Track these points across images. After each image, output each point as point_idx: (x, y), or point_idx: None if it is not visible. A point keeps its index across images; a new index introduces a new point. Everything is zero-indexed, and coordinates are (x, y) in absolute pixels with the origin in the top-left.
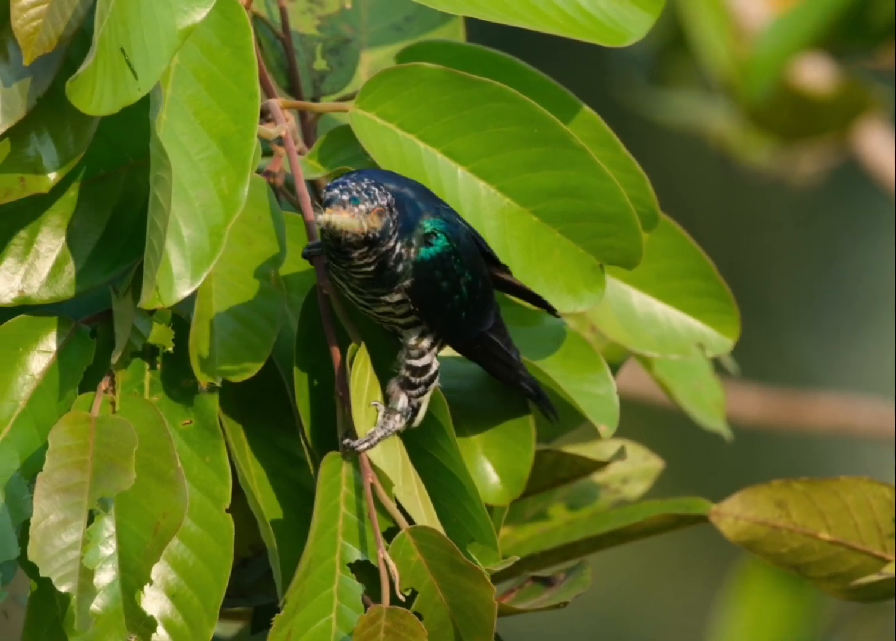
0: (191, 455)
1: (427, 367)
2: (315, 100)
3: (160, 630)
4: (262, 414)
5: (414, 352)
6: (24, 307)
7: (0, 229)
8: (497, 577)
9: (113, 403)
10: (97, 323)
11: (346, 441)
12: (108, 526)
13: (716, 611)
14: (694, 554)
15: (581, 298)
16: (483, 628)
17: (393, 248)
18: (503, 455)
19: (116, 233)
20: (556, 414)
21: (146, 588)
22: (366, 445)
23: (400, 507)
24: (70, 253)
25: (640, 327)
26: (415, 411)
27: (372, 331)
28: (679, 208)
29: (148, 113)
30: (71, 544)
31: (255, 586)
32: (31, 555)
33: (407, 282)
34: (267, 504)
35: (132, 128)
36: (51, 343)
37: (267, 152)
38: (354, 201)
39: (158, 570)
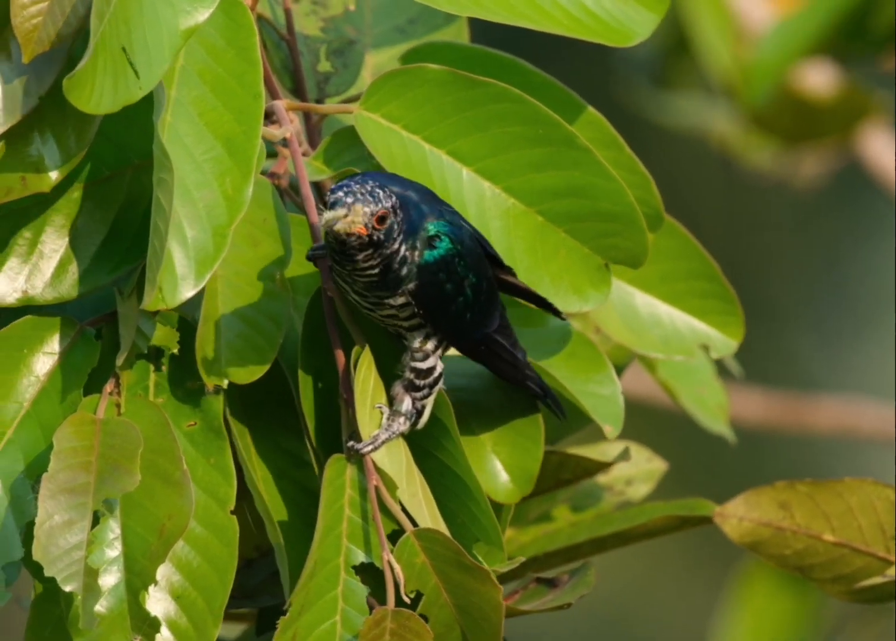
0: (195, 456)
1: (431, 370)
2: (319, 101)
3: (165, 631)
4: (268, 415)
5: (418, 355)
6: (28, 308)
7: (4, 229)
8: (501, 579)
9: (118, 405)
10: (102, 324)
11: (351, 443)
12: (113, 527)
13: (718, 613)
14: (697, 556)
15: (587, 298)
16: (490, 629)
17: (397, 251)
18: (513, 452)
19: (121, 234)
20: (565, 413)
21: (151, 589)
22: (370, 448)
23: (404, 509)
24: (74, 253)
25: (644, 328)
26: (419, 413)
27: (376, 334)
28: (681, 210)
29: (152, 113)
30: (76, 544)
31: (260, 587)
32: (36, 555)
33: (411, 285)
34: (273, 505)
35: (137, 130)
36: (55, 344)
37: (272, 154)
38: (359, 203)
39: (163, 571)
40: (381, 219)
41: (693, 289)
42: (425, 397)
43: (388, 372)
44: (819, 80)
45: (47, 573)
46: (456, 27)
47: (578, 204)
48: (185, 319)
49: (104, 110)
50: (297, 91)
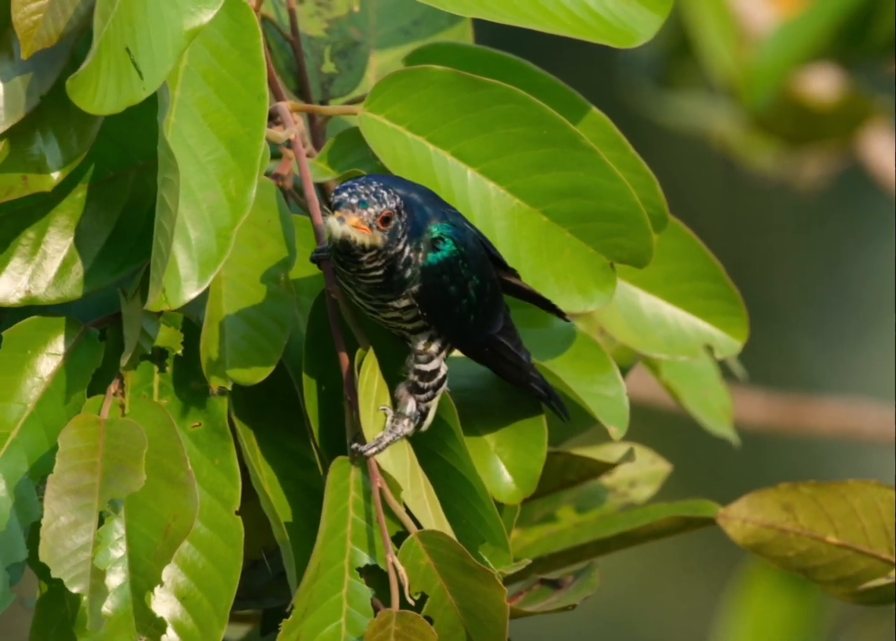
0: (200, 457)
1: (435, 372)
2: (324, 102)
3: (170, 631)
4: (273, 416)
5: (422, 357)
6: (32, 308)
7: (7, 229)
8: (505, 580)
9: (122, 406)
10: (106, 325)
11: (355, 445)
12: (118, 528)
13: (720, 614)
14: (699, 557)
15: (592, 297)
16: (495, 630)
17: (402, 252)
18: (516, 453)
19: (124, 235)
20: (568, 415)
21: (156, 589)
22: (374, 450)
23: (408, 511)
24: (77, 253)
25: (649, 329)
26: (423, 415)
27: (380, 336)
28: (683, 211)
29: (156, 114)
30: (82, 545)
31: (265, 588)
32: (43, 556)
33: (415, 288)
34: (278, 506)
35: (141, 130)
36: (59, 345)
37: (276, 155)
38: (363, 204)
39: (168, 572)
40: (386, 220)
41: (697, 290)
42: (429, 399)
43: (392, 375)
44: (821, 84)
45: (54, 574)
46: (460, 28)
47: (583, 204)
48: (190, 320)
49: (108, 111)
50: (302, 92)
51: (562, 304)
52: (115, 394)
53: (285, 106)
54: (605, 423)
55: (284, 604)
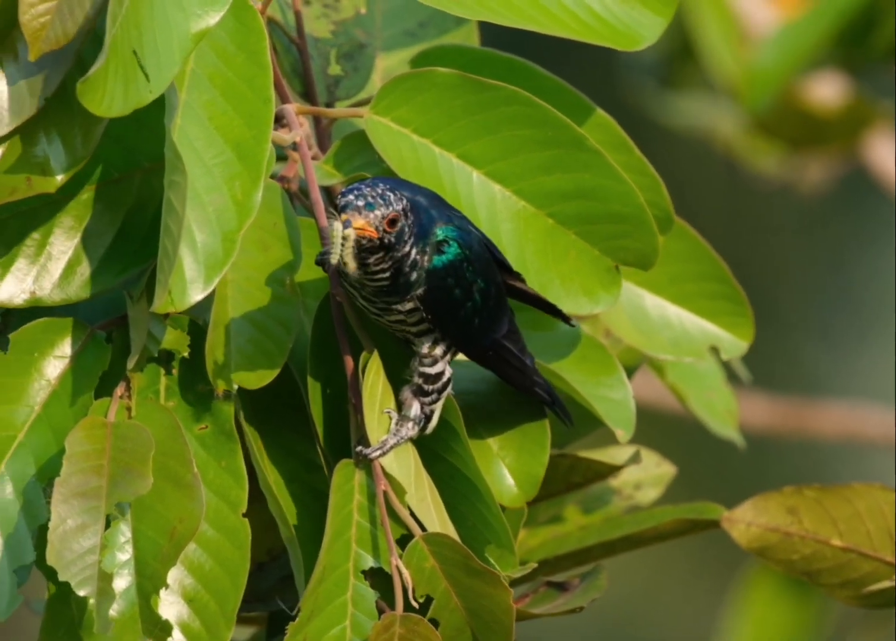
0: (207, 459)
1: (440, 375)
2: (329, 105)
3: (178, 634)
4: (279, 419)
5: (427, 360)
6: (39, 309)
7: (13, 230)
8: (511, 582)
9: (129, 408)
10: (113, 328)
11: (359, 448)
12: (124, 531)
13: (723, 616)
14: (702, 560)
15: (597, 300)
16: (501, 631)
17: (408, 254)
18: (519, 456)
19: (129, 236)
20: (571, 419)
21: (163, 592)
22: (378, 453)
23: (413, 514)
24: (83, 255)
25: (654, 330)
26: (427, 418)
27: (385, 339)
28: (685, 212)
29: (162, 116)
30: (89, 548)
31: (271, 591)
32: (50, 560)
33: (420, 291)
34: (286, 507)
35: (146, 132)
36: (66, 348)
37: (281, 157)
38: (370, 207)
39: (175, 574)
40: (392, 222)
41: (703, 291)
42: (434, 402)
43: (397, 378)
44: (824, 88)
45: (61, 577)
46: (466, 30)
47: (588, 206)
48: (196, 323)
49: (115, 113)
50: (307, 94)
51: (567, 306)
52: (121, 397)
53: (291, 108)
54: (611, 426)
55: (290, 607)
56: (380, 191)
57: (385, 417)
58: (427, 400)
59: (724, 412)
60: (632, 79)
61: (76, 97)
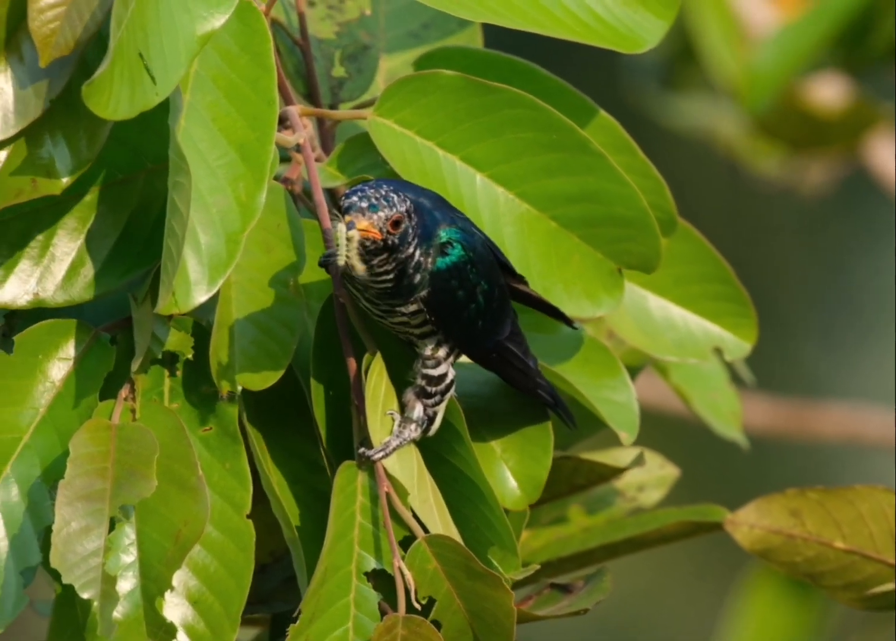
0: (211, 461)
1: (443, 376)
2: (333, 106)
3: (182, 635)
4: (282, 420)
5: (430, 362)
6: (45, 311)
7: (16, 231)
8: (515, 584)
9: (133, 410)
10: (117, 330)
11: (362, 450)
12: (128, 533)
13: (725, 618)
14: (704, 561)
15: (600, 303)
16: (503, 633)
17: (412, 255)
18: (521, 459)
19: (133, 238)
20: (574, 422)
21: (168, 594)
22: (381, 454)
23: (415, 516)
24: (86, 256)
25: (658, 331)
26: (430, 420)
27: (388, 340)
28: (687, 215)
29: (166, 118)
30: (93, 551)
31: (273, 592)
32: (54, 562)
33: (423, 293)
34: (289, 509)
35: (151, 133)
36: (70, 350)
37: (285, 159)
38: (373, 208)
39: (180, 576)
40: (396, 224)
41: (706, 292)
42: (437, 404)
43: (400, 379)
44: (826, 90)
45: (65, 580)
46: (469, 32)
47: (592, 209)
48: (200, 324)
49: (121, 116)
50: (311, 96)
51: (570, 310)
52: (125, 399)
53: (295, 110)
54: (615, 429)
55: (293, 609)
56: (383, 193)
57: (388, 419)
58: (430, 401)
59: (728, 413)
60: (633, 81)
61: (81, 99)
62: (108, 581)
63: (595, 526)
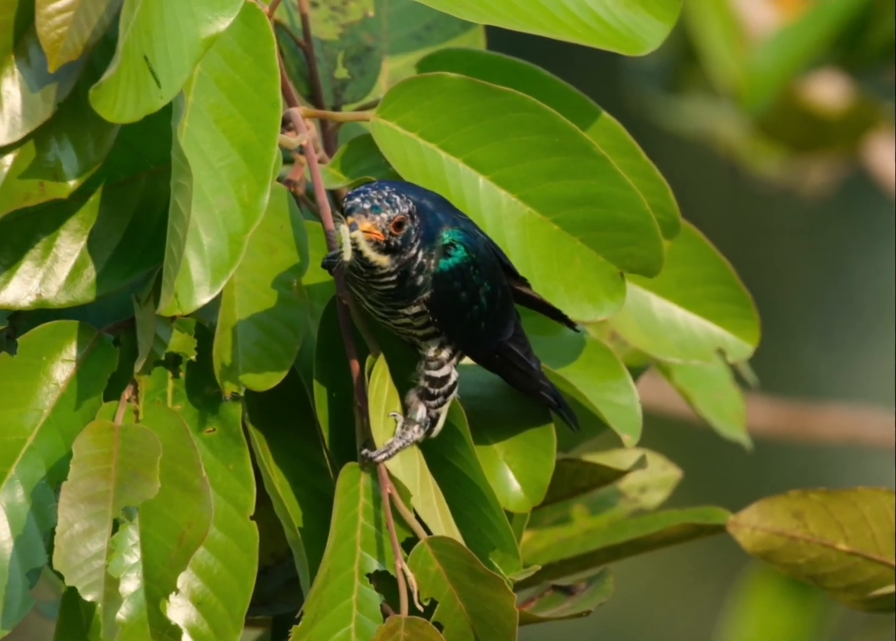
0: (214, 463)
1: (446, 378)
2: (336, 108)
3: (187, 637)
4: (285, 422)
5: (433, 363)
6: (49, 313)
7: (19, 233)
8: (517, 586)
9: (136, 412)
10: (120, 331)
11: (365, 451)
12: (132, 535)
13: (725, 619)
14: (706, 563)
15: (601, 307)
16: (504, 635)
17: (415, 256)
18: (524, 462)
19: (135, 239)
20: (577, 424)
21: (171, 595)
22: (384, 456)
23: (418, 517)
24: (89, 257)
25: (661, 333)
26: (433, 422)
27: (391, 342)
28: (687, 216)
29: (169, 119)
30: (96, 553)
31: (275, 594)
32: (57, 564)
33: (426, 294)
34: (291, 510)
35: (153, 135)
36: (73, 351)
37: (288, 160)
38: (376, 209)
39: (184, 578)
40: (399, 225)
41: (709, 294)
42: (440, 405)
43: (403, 381)
44: (826, 91)
45: (68, 582)
46: (472, 34)
47: (594, 213)
48: (203, 325)
49: (127, 119)
50: (314, 98)
51: (572, 313)
52: (129, 400)
53: (298, 111)
54: (617, 431)
55: (295, 610)
56: (386, 194)
57: (391, 420)
58: (433, 403)
59: (731, 413)
60: (634, 83)
61: (88, 103)
62: (112, 583)
63: (597, 528)
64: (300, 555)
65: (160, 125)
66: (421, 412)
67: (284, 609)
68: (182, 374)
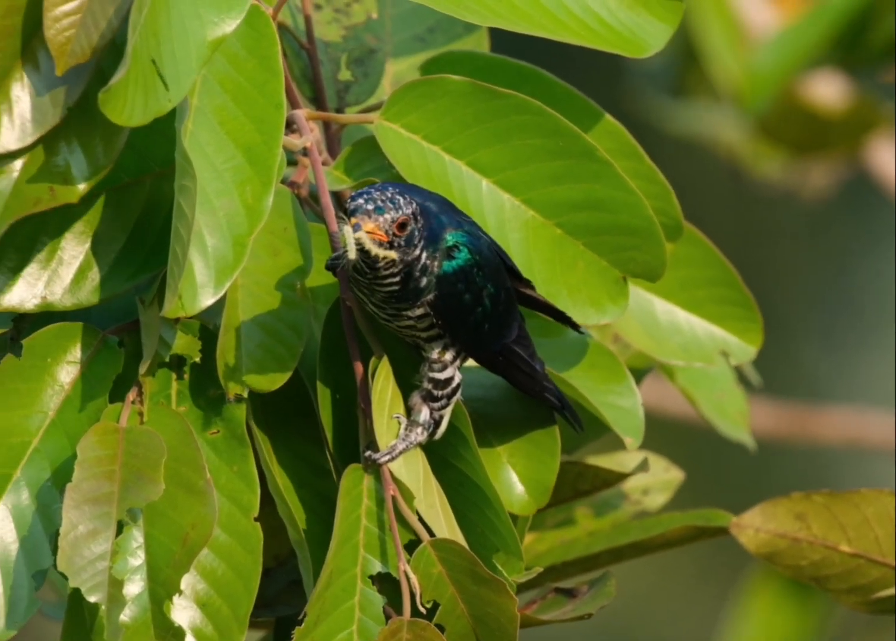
0: (219, 464)
1: (450, 380)
2: (339, 110)
3: (190, 638)
4: (289, 424)
5: (436, 365)
6: (54, 315)
7: (24, 235)
8: (519, 588)
9: (141, 414)
10: (124, 333)
11: (368, 453)
12: (136, 536)
13: (726, 621)
14: (707, 565)
15: (604, 311)
16: (506, 638)
17: (419, 257)
18: (528, 464)
19: (140, 241)
20: (582, 425)
21: (175, 597)
22: (387, 457)
23: (421, 520)
24: (93, 260)
25: (664, 336)
26: (437, 424)
27: (395, 343)
28: (689, 218)
29: (173, 121)
30: (100, 554)
31: (278, 596)
32: (61, 565)
33: (430, 296)
34: (295, 512)
35: (158, 137)
36: (78, 353)
37: (291, 162)
38: (379, 210)
39: (188, 579)
40: (402, 226)
41: (712, 296)
42: (443, 407)
43: (406, 383)
44: (828, 92)
45: (72, 584)
46: (476, 37)
47: (597, 217)
48: (207, 327)
49: (136, 122)
50: (317, 100)
51: (575, 317)
52: (133, 402)
53: (301, 114)
54: (620, 434)
55: (297, 612)
56: (389, 195)
57: (394, 422)
58: (436, 405)
59: (735, 413)
60: (636, 86)
61: (97, 107)
62: (116, 584)
63: (600, 531)
64: (304, 556)
65: (164, 127)
66: (424, 414)
67: (287, 611)
68: (186, 376)
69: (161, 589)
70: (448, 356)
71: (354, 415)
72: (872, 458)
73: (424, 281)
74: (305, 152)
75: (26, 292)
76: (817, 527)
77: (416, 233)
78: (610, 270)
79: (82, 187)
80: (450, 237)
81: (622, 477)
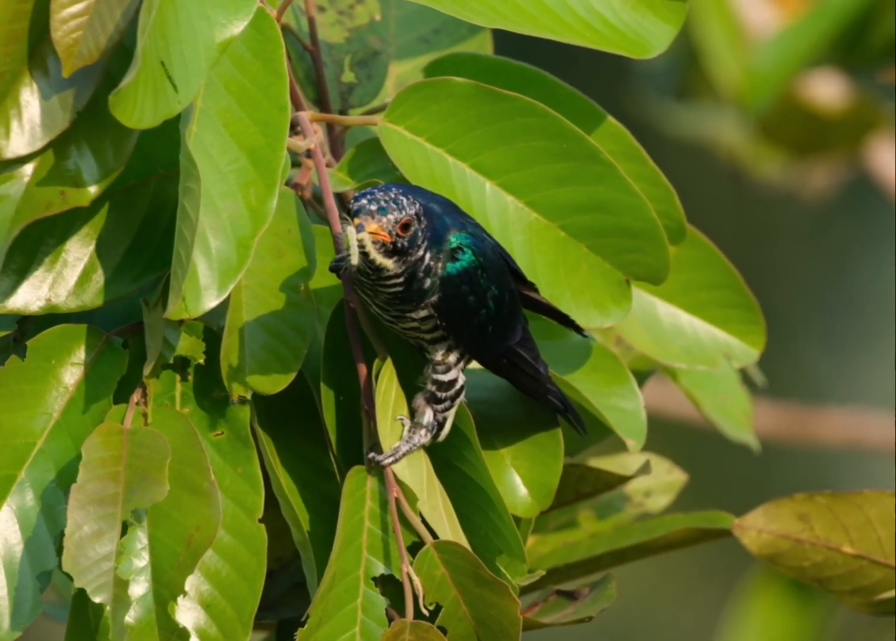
0: (223, 466)
1: (453, 382)
2: (343, 112)
3: (195, 639)
4: (293, 425)
5: (440, 367)
6: (57, 316)
7: (29, 238)
8: (521, 590)
9: (145, 415)
10: (128, 335)
11: (371, 455)
12: (140, 537)
13: (727, 623)
14: (709, 566)
15: (608, 313)
16: None
17: (422, 258)
18: (532, 466)
19: (144, 243)
20: (585, 428)
21: (180, 598)
22: (391, 459)
23: (424, 522)
24: (98, 262)
25: (667, 338)
26: (440, 426)
27: (398, 345)
28: (690, 220)
29: (178, 123)
30: (105, 555)
31: (280, 598)
32: (66, 566)
33: (434, 298)
34: (299, 514)
35: (163, 139)
36: (82, 355)
37: (295, 164)
38: (383, 211)
39: (192, 581)
40: (405, 227)
41: (715, 299)
42: (447, 409)
43: (410, 384)
44: (828, 92)
45: (77, 584)
46: (480, 39)
47: (601, 219)
48: (211, 329)
49: (145, 125)
50: (321, 102)
51: (578, 319)
52: (137, 404)
53: (305, 116)
54: (622, 436)
55: (300, 614)
56: (392, 196)
57: (398, 424)
58: (440, 407)
59: (739, 414)
60: (637, 87)
61: (107, 110)
62: (120, 585)
63: (602, 533)
64: (308, 557)
65: (169, 129)
66: (428, 416)
67: (289, 614)
68: (190, 378)
69: (165, 590)
70: (452, 358)
71: (358, 417)
72: (873, 459)
73: (428, 282)
74: (309, 154)
75: (31, 294)
76: (820, 529)
77: (420, 234)
78: (613, 273)
79: (93, 190)
80: (454, 238)
81: (624, 479)
